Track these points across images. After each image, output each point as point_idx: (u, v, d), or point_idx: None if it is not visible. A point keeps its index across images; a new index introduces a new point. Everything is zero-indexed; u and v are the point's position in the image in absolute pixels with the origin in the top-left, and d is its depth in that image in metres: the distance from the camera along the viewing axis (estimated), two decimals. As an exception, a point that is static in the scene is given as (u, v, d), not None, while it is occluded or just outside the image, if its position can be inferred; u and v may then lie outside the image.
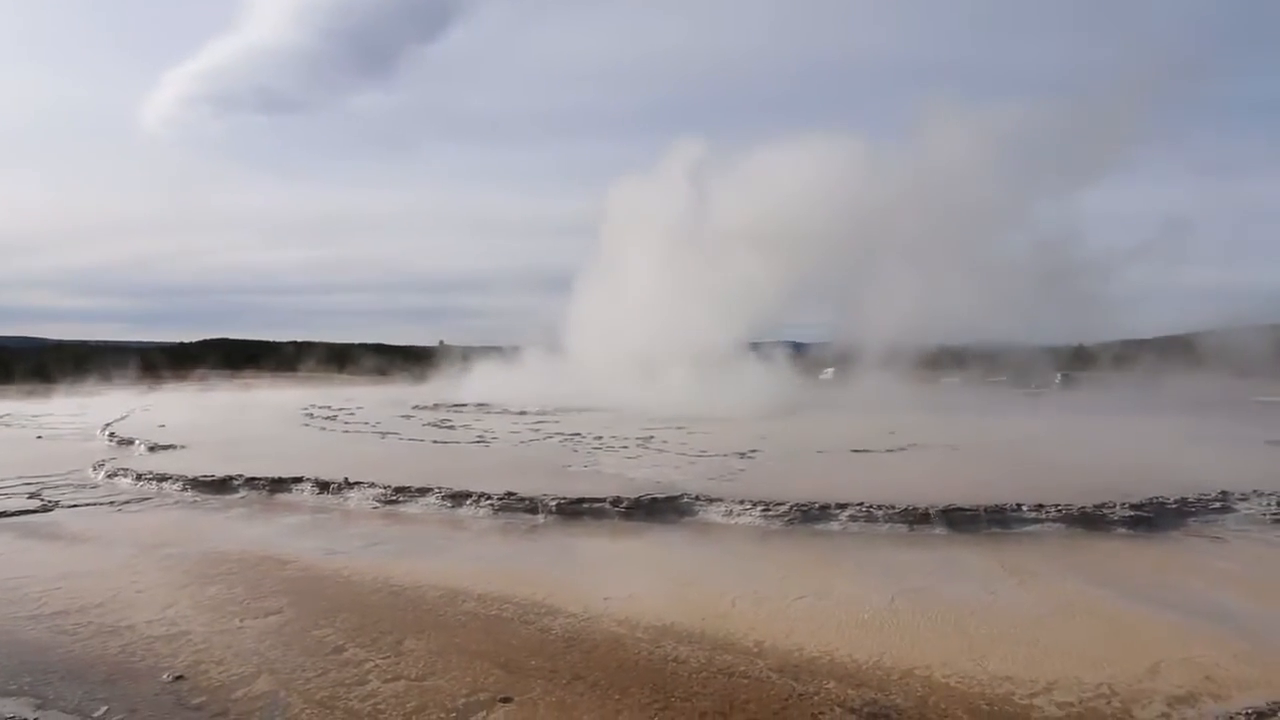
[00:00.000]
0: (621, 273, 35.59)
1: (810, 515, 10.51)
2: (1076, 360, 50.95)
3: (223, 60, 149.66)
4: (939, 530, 10.08)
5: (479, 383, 37.14)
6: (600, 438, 18.63)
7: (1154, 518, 10.29)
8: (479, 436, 19.15)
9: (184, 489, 12.94)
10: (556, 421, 23.20)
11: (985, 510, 10.37)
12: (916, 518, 10.25)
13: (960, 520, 10.22)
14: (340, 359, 56.47)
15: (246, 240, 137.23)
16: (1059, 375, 44.83)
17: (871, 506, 10.49)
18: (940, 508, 10.35)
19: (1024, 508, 10.44)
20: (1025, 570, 8.49)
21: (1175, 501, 10.75)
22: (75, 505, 12.03)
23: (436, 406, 29.50)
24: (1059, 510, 10.34)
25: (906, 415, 24.03)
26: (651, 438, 18.75)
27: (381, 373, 53.23)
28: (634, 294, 34.30)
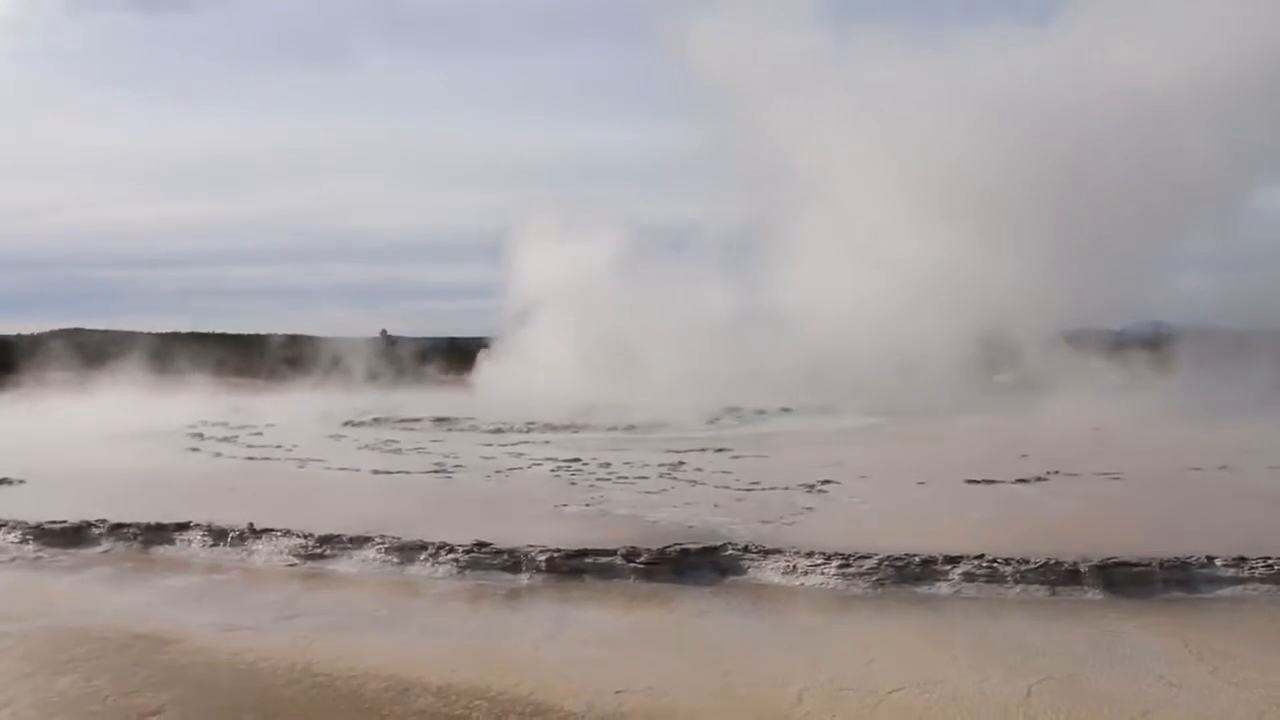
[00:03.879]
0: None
1: (908, 573, 10.48)
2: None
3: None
4: (1093, 594, 10.03)
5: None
6: (607, 465, 18.67)
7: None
8: (437, 464, 19.23)
9: (24, 541, 13.09)
10: (545, 442, 23.26)
11: (1161, 566, 10.29)
12: (1061, 576, 10.20)
13: (1124, 580, 10.16)
14: (243, 356, 56.96)
15: (114, 190, 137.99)
16: None
17: (996, 561, 10.44)
18: (1095, 562, 10.28)
19: (1217, 562, 10.36)
20: (1220, 652, 8.39)
21: None
22: (-125, 563, 12.19)
23: (377, 422, 29.66)
24: (1268, 565, 10.24)
25: (1047, 430, 23.83)
26: (681, 463, 18.79)
27: (301, 375, 53.61)
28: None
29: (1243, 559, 10.34)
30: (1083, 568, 10.21)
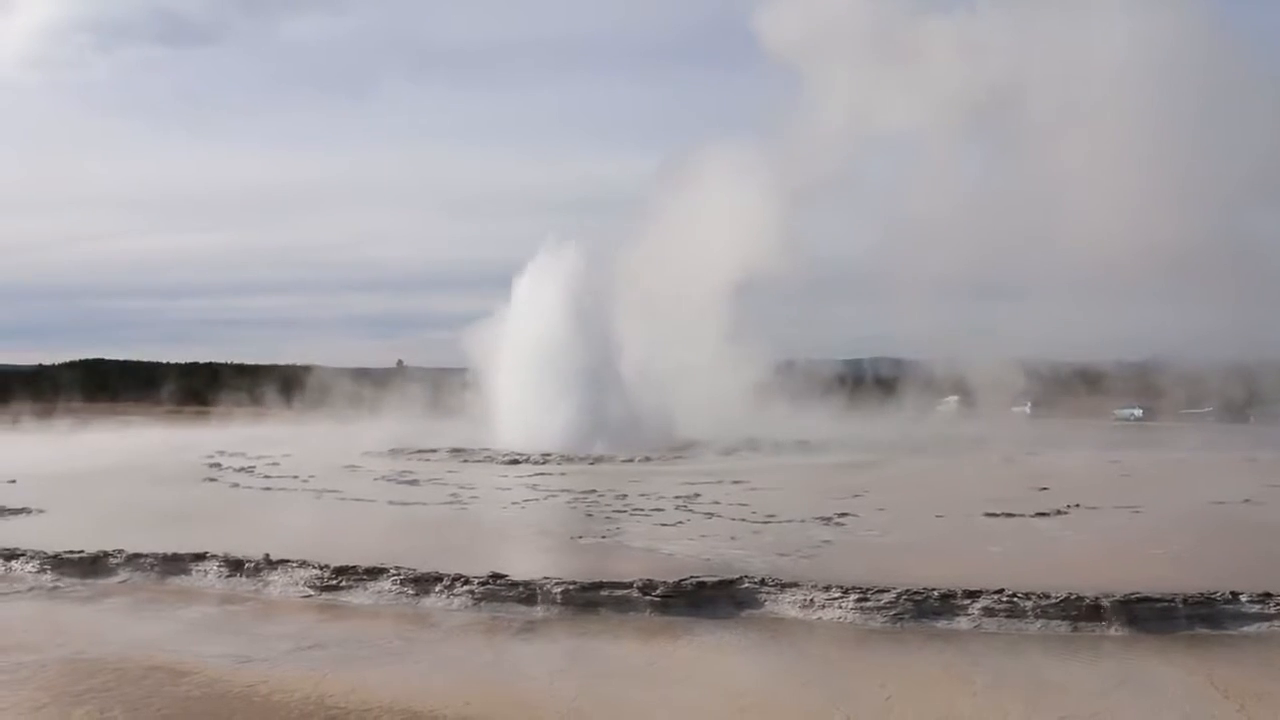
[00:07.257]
0: None
1: (927, 608, 10.38)
2: None
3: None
4: (1116, 630, 9.90)
5: None
6: (624, 496, 18.65)
7: None
8: (453, 496, 19.26)
9: (41, 570, 13.14)
10: (562, 474, 23.28)
11: (1185, 601, 10.16)
12: (1083, 612, 10.07)
13: (1147, 616, 10.03)
14: (261, 387, 57.32)
15: (135, 222, 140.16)
16: None
17: (1016, 595, 10.31)
18: (1118, 597, 10.15)
19: (1243, 598, 10.21)
20: (1248, 690, 8.26)
21: None
22: (-107, 593, 12.25)
23: (394, 453, 29.76)
24: (1294, 601, 10.12)
25: (1064, 463, 23.73)
26: (697, 495, 18.74)
27: (318, 406, 53.90)
28: None
29: (1269, 595, 10.20)
30: (1104, 603, 10.09)
